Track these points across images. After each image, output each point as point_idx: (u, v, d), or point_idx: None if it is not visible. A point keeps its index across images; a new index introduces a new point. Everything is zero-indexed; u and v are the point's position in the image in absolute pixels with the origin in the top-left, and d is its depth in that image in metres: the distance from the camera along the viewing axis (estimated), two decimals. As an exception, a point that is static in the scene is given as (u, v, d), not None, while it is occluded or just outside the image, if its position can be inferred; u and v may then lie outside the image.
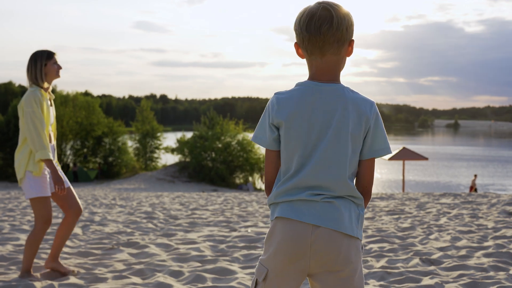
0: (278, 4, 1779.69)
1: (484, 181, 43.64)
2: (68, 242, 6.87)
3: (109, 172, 49.11)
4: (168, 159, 52.90)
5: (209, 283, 4.73)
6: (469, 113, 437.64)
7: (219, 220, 9.24)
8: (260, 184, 45.75)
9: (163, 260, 5.71)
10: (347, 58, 2.30)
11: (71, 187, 5.23)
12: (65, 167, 47.10)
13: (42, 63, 4.96)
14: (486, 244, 6.42)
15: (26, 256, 4.99)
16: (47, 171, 4.98)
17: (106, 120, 51.94)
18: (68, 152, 50.57)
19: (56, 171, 4.83)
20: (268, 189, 2.36)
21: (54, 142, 5.14)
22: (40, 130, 4.77)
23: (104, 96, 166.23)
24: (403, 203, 11.81)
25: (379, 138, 2.24)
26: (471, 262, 5.40)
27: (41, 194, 4.89)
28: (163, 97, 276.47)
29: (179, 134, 59.10)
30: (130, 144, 54.52)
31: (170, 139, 56.02)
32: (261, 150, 47.14)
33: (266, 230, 7.76)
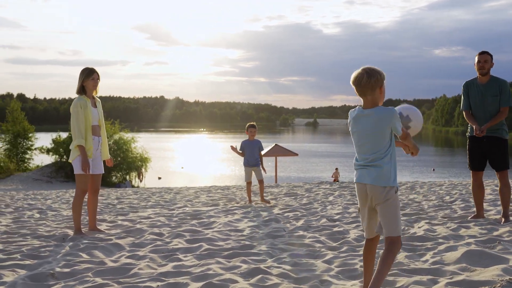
0: (139, 2, 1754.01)
1: (342, 174, 47.66)
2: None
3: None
4: (43, 159, 52.60)
5: (189, 238, 6.77)
6: (327, 111, 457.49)
7: (151, 204, 11.17)
8: (137, 182, 47.03)
9: (149, 217, 7.64)
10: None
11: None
12: None
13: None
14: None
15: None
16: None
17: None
18: None
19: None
20: None
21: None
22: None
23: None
24: (293, 189, 14.28)
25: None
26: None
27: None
28: (21, 96, 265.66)
29: (41, 134, 58.71)
30: (0, 145, 53.65)
31: (40, 139, 55.57)
32: (137, 150, 48.45)
33: (195, 209, 9.81)
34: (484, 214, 7.97)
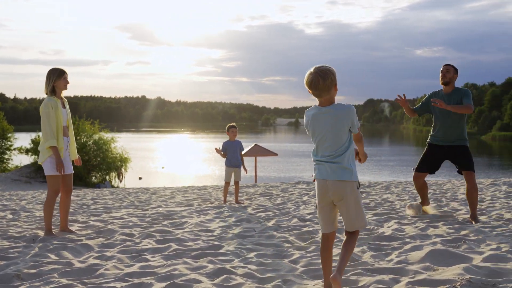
0: (122, 2, 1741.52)
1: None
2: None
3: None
4: (22, 159, 52.09)
5: (158, 238, 6.77)
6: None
7: (126, 205, 11.14)
8: (117, 182, 46.81)
9: (122, 217, 7.63)
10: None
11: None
12: None
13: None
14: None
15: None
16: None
17: None
18: None
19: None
20: None
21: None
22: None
23: None
24: (269, 189, 14.32)
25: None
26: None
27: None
28: (1, 96, 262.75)
29: (22, 135, 58.17)
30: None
31: (20, 139, 55.10)
32: (117, 150, 48.21)
33: (168, 210, 9.80)
34: (454, 214, 8.08)
